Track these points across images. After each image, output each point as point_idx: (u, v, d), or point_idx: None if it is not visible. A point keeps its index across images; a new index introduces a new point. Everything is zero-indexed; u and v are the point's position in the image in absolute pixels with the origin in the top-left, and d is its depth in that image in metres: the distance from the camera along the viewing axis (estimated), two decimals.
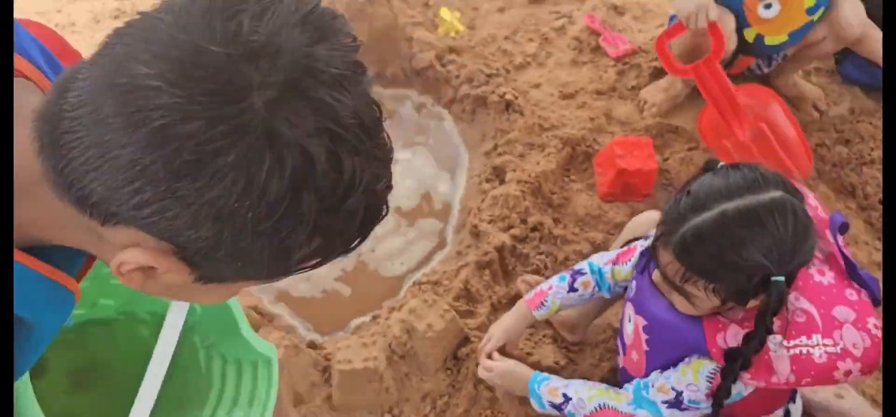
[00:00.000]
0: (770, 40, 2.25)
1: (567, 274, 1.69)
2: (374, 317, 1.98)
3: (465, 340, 1.88)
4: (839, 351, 1.26)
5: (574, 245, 2.09)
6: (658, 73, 2.51)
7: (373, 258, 2.14)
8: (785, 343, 1.27)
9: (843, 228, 1.40)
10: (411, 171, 2.34)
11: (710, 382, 1.36)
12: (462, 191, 2.30)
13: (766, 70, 2.45)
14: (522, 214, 2.12)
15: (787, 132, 2.19)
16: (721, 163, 1.30)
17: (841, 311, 1.29)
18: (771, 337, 1.26)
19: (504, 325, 1.75)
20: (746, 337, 1.27)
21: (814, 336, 1.27)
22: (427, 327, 1.80)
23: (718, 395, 1.34)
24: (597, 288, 1.68)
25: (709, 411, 1.40)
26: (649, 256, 1.39)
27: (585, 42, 2.67)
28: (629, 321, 1.54)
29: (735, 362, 1.29)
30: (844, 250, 1.35)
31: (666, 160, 2.25)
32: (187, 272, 0.63)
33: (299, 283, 2.09)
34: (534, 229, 2.12)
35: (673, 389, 1.40)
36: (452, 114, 2.50)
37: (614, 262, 1.66)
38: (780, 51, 2.33)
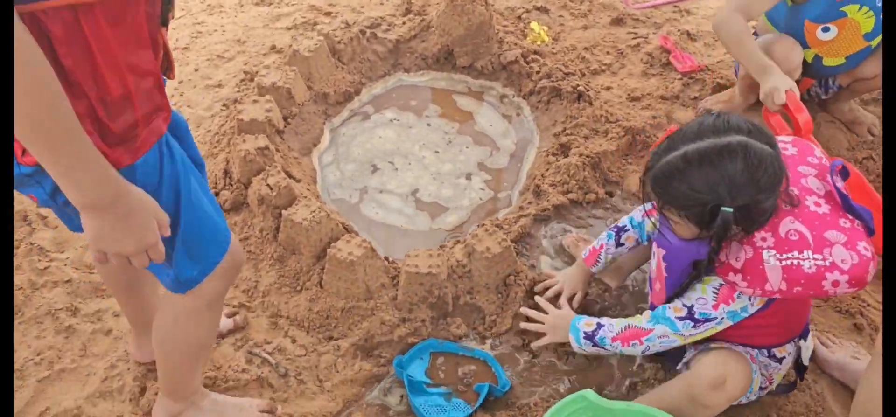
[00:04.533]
0: (828, 62, 2.45)
1: (613, 232, 1.96)
2: (442, 246, 2.29)
3: (516, 272, 2.15)
4: (828, 264, 1.42)
5: (624, 215, 2.35)
6: (719, 88, 2.76)
7: (465, 205, 2.47)
8: (778, 255, 1.46)
9: (844, 173, 1.59)
10: (485, 139, 2.68)
11: (716, 294, 1.56)
12: (530, 164, 2.61)
13: (824, 97, 2.66)
14: (581, 182, 2.40)
15: None
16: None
17: (833, 234, 1.45)
18: (766, 252, 1.46)
19: (571, 280, 2.03)
20: (708, 253, 1.51)
21: (805, 251, 1.44)
22: (485, 249, 2.10)
23: (693, 274, 1.58)
24: (639, 240, 1.93)
25: (721, 326, 1.59)
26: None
27: (657, 58, 2.96)
28: (654, 256, 1.77)
29: (697, 268, 1.54)
30: (841, 188, 1.53)
31: None
32: None
33: (387, 216, 2.44)
34: (588, 195, 2.39)
35: (684, 306, 1.60)
36: (530, 104, 2.83)
37: (649, 215, 1.91)
38: (837, 72, 2.51)
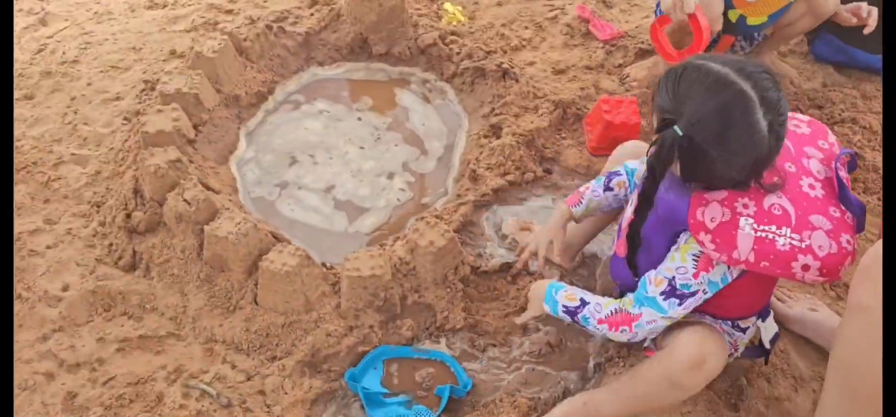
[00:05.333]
0: (751, 21, 2.46)
1: (603, 177, 1.85)
2: (382, 245, 2.16)
3: (462, 263, 2.05)
4: (803, 246, 1.36)
5: (564, 191, 2.28)
6: (642, 54, 2.74)
7: (381, 206, 2.34)
8: (754, 224, 1.39)
9: (852, 165, 1.55)
10: (415, 139, 2.56)
11: (696, 261, 1.48)
12: (462, 149, 2.50)
13: (748, 50, 2.67)
14: (517, 162, 2.32)
15: None
16: None
17: (818, 219, 1.40)
18: (743, 218, 1.39)
19: (544, 230, 1.91)
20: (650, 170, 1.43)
21: (784, 228, 1.38)
22: (429, 243, 1.98)
23: (644, 194, 1.47)
24: (628, 190, 1.82)
25: (702, 300, 1.51)
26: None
27: (576, 29, 2.91)
28: (631, 205, 1.65)
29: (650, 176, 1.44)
30: (842, 177, 1.47)
31: (648, 119, 2.46)
32: None
33: (313, 220, 2.28)
34: (526, 175, 2.31)
35: (665, 278, 1.51)
36: (454, 87, 2.73)
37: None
38: (760, 30, 2.54)
